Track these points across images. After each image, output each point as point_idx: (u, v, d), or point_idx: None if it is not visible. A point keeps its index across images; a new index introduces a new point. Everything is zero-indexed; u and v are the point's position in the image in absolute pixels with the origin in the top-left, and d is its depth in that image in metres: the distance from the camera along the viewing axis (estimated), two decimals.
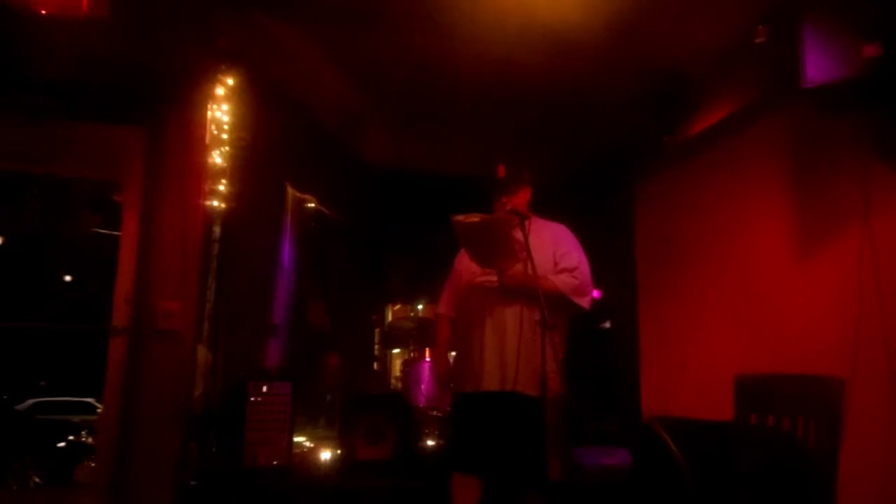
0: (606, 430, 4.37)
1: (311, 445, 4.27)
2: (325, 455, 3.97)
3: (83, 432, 7.11)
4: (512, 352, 2.73)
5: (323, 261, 5.74)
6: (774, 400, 2.48)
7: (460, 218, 2.68)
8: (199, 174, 3.51)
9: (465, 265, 3.00)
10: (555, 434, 3.65)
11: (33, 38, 3.11)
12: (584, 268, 2.90)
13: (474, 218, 2.69)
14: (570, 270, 2.85)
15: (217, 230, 3.79)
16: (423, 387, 4.60)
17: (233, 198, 3.76)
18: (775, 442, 2.30)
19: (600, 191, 5.51)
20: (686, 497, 1.83)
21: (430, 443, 4.25)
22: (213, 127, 3.59)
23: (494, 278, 2.84)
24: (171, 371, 3.31)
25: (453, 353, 3.24)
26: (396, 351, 5.79)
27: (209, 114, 3.56)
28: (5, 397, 12.41)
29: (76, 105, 3.39)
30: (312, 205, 5.23)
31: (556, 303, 2.71)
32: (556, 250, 2.90)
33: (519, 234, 2.74)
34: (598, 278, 3.06)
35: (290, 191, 5.15)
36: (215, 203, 3.68)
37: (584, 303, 2.86)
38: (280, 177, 4.97)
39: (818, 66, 2.69)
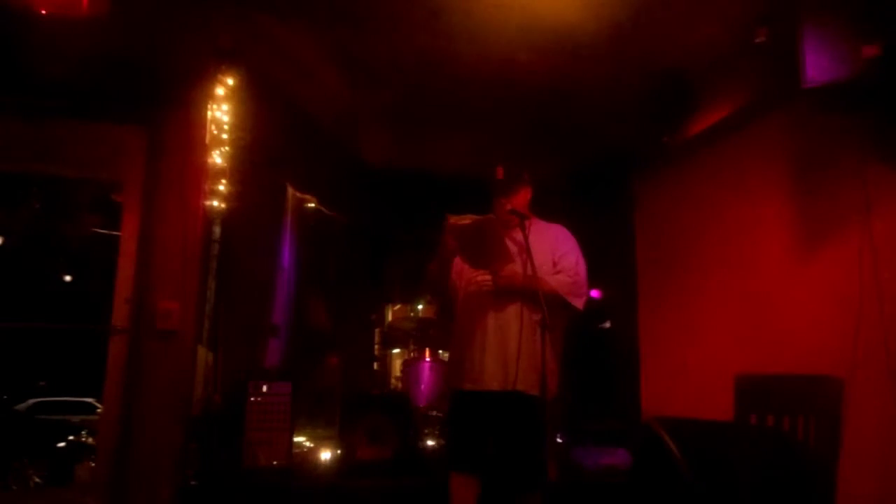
0: (606, 430, 4.37)
1: (311, 445, 4.27)
2: (325, 455, 3.97)
3: (83, 432, 7.11)
4: (513, 352, 2.72)
5: (323, 261, 5.73)
6: (774, 400, 2.48)
7: (452, 220, 2.68)
8: (199, 174, 3.51)
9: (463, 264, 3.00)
10: (552, 435, 3.66)
11: (33, 38, 3.11)
12: (581, 269, 2.90)
13: (466, 220, 2.68)
14: (567, 271, 2.85)
15: (217, 230, 3.79)
16: (423, 387, 4.60)
17: (233, 198, 3.76)
18: (775, 442, 2.29)
19: (600, 191, 5.51)
20: (686, 497, 1.83)
21: (430, 443, 4.25)
22: (213, 127, 3.59)
23: (490, 278, 2.84)
24: (171, 371, 3.31)
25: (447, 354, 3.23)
26: (396, 351, 5.77)
27: (209, 114, 3.56)
28: (5, 397, 12.41)
29: (76, 105, 3.39)
30: (312, 205, 5.23)
31: (553, 303, 2.70)
32: (554, 251, 2.90)
33: (518, 235, 2.74)
34: (598, 278, 3.06)
35: (290, 191, 5.15)
36: (215, 203, 3.68)
37: (579, 303, 2.85)
38: (280, 177, 4.97)
39: (818, 66, 2.69)
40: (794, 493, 1.94)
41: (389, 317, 6.02)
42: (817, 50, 2.69)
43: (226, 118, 3.65)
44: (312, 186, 5.15)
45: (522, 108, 4.60)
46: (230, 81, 3.63)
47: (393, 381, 5.51)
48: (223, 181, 3.70)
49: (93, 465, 3.51)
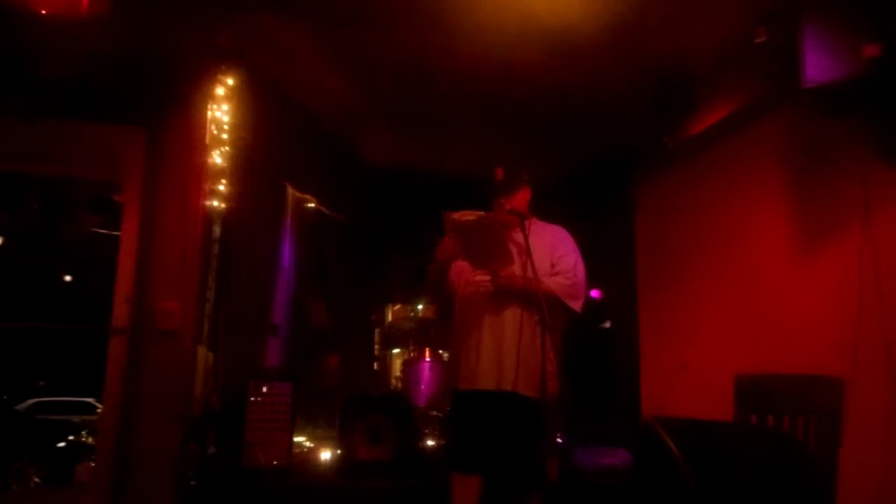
0: (606, 430, 4.37)
1: (311, 445, 4.27)
2: (325, 455, 3.97)
3: (83, 432, 7.11)
4: (510, 352, 2.72)
5: (323, 261, 5.73)
6: (774, 400, 2.48)
7: (455, 216, 2.66)
8: (199, 174, 3.50)
9: (463, 263, 3.00)
10: (551, 436, 3.66)
11: (33, 38, 3.11)
12: (580, 270, 2.88)
13: (469, 216, 2.64)
14: (565, 273, 2.84)
15: (217, 230, 3.79)
16: (422, 387, 4.60)
17: (233, 198, 3.76)
18: (775, 442, 2.29)
19: (601, 191, 5.52)
20: (686, 497, 1.83)
21: (430, 443, 4.25)
22: (213, 127, 3.59)
23: (488, 279, 2.83)
24: (171, 371, 3.31)
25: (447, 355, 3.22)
26: (396, 351, 5.77)
27: (209, 114, 3.56)
28: (5, 397, 12.40)
29: (76, 105, 3.38)
30: (312, 205, 5.23)
31: (551, 305, 2.69)
32: (553, 252, 2.89)
33: (519, 236, 2.73)
34: (599, 278, 3.05)
35: (290, 191, 5.15)
36: (215, 203, 3.68)
37: (576, 306, 2.84)
38: (280, 177, 4.97)
39: (818, 66, 2.69)
40: (793, 494, 1.94)
41: (389, 317, 6.02)
42: (817, 50, 2.69)
43: (226, 118, 3.65)
44: (312, 186, 5.15)
45: (522, 109, 4.60)
46: (230, 81, 3.63)
47: (393, 381, 5.51)
48: (223, 181, 3.70)
49: (93, 465, 3.50)
